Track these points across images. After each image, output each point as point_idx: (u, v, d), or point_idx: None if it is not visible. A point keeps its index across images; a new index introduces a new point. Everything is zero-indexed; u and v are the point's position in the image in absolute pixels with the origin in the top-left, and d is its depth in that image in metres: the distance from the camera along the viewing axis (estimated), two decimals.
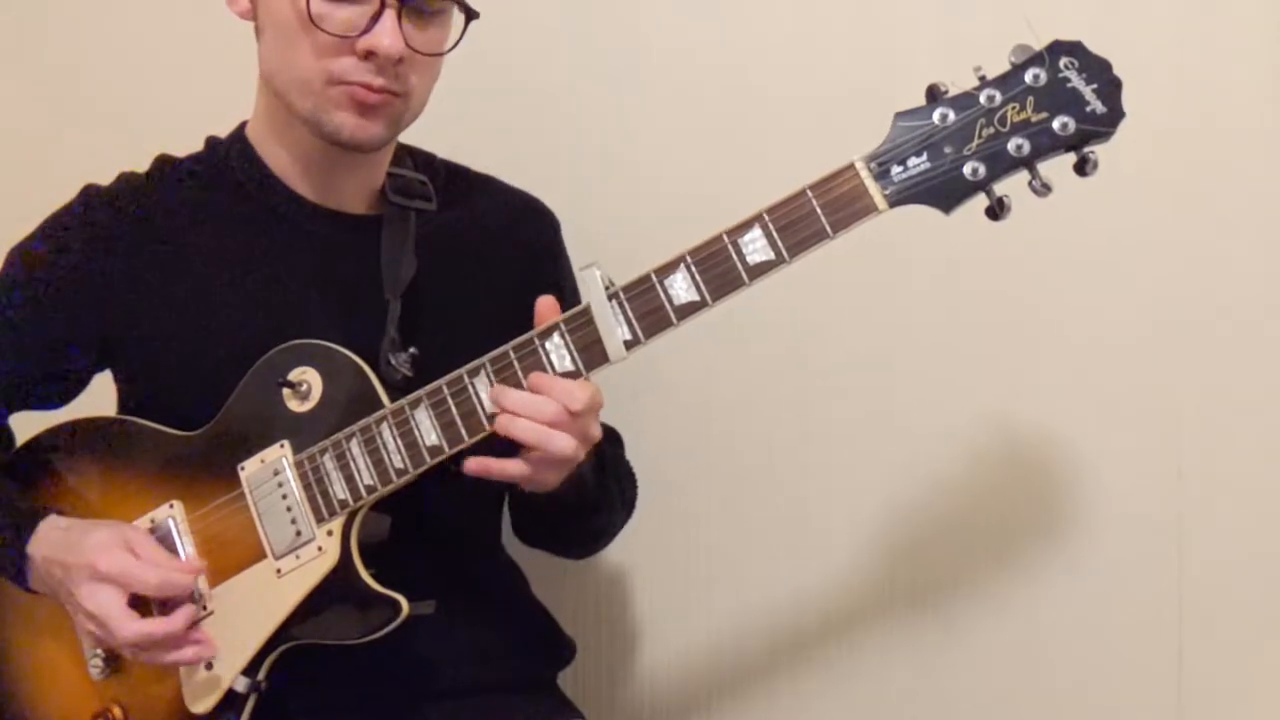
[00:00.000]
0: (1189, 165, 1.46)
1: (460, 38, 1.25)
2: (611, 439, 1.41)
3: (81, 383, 1.35)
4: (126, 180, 1.35)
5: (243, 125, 1.36)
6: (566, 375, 1.14)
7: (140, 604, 1.19)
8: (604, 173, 1.63)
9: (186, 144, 1.38)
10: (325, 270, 1.30)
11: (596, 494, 1.29)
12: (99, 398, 1.37)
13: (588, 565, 1.61)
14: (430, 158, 1.41)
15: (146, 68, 1.77)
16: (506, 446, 1.16)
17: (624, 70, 1.63)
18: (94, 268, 1.29)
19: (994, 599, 1.54)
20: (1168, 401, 1.48)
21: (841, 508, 1.59)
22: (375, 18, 1.18)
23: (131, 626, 1.15)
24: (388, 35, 1.18)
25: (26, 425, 1.36)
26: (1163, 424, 1.48)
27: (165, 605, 1.20)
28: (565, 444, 1.13)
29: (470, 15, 1.25)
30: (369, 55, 1.19)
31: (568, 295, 1.42)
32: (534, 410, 1.12)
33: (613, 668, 1.66)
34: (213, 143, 1.37)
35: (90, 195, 1.33)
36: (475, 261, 1.36)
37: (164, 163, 1.36)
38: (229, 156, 1.34)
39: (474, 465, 1.16)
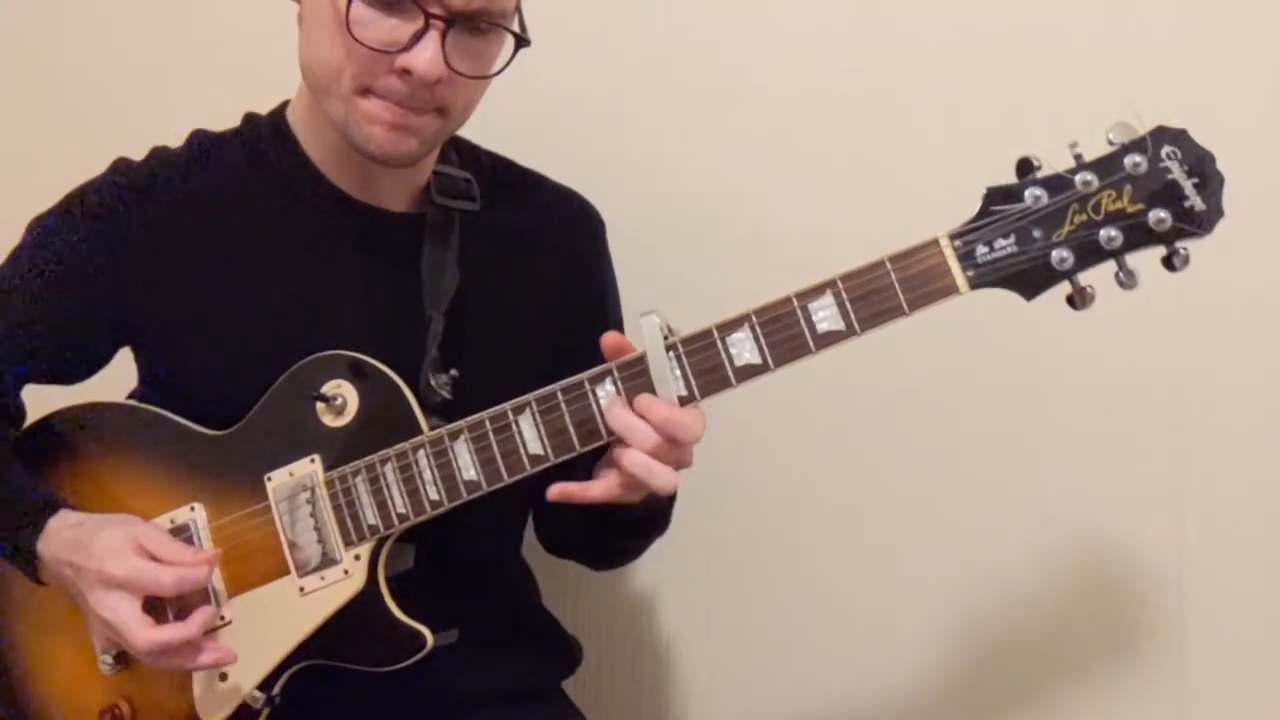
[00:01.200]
0: None
1: (508, 63, 1.16)
2: None
3: (99, 362, 1.30)
4: (160, 156, 1.28)
5: (284, 105, 1.29)
6: None
7: (156, 606, 1.16)
8: (620, 171, 1.58)
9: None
10: (363, 271, 1.25)
11: (663, 513, 1.26)
12: (110, 379, 1.32)
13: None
14: (475, 151, 1.35)
15: (152, 55, 1.71)
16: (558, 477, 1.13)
17: (640, 70, 1.59)
18: (121, 245, 1.23)
19: (995, 596, 1.55)
20: (1170, 407, 1.47)
21: (849, 510, 1.58)
22: (418, 36, 1.10)
23: (147, 635, 1.12)
24: (427, 56, 1.10)
25: (38, 405, 1.31)
26: (1166, 434, 1.47)
27: (180, 610, 1.17)
28: (666, 480, 1.09)
29: (522, 42, 1.16)
30: (405, 73, 1.12)
31: (610, 303, 1.39)
32: (638, 438, 1.08)
33: (615, 671, 1.65)
34: (251, 120, 1.30)
35: (121, 169, 1.27)
36: (518, 270, 1.31)
37: (200, 138, 1.29)
38: (267, 139, 1.27)
39: (556, 494, 1.12)
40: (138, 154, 1.29)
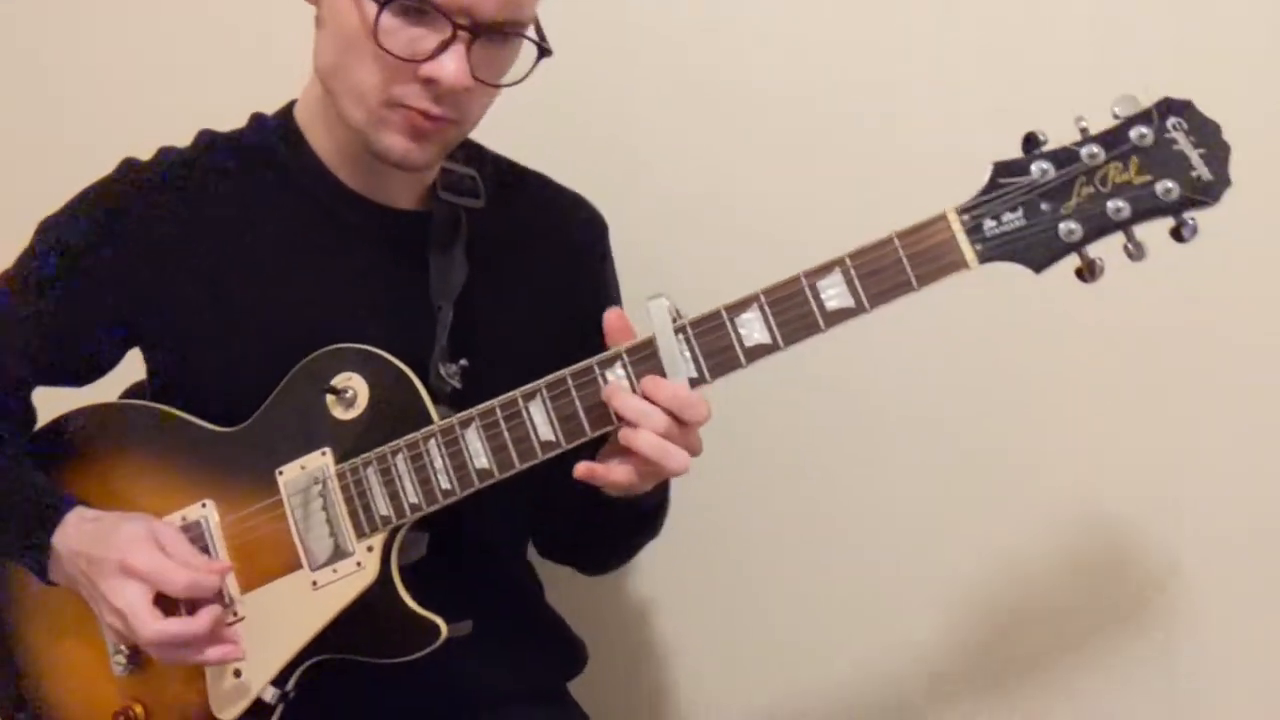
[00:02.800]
0: None
1: (528, 74, 1.17)
2: None
3: (111, 362, 1.30)
4: (168, 156, 1.28)
5: (291, 105, 1.30)
6: None
7: (167, 602, 1.15)
8: (623, 174, 1.58)
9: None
10: (371, 267, 1.25)
11: (664, 496, 1.26)
12: (114, 380, 1.33)
13: None
14: (479, 150, 1.35)
15: (154, 57, 1.72)
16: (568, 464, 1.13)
17: (639, 72, 1.59)
18: (130, 245, 1.24)
19: (998, 592, 1.54)
20: (1170, 401, 1.46)
21: (857, 509, 1.57)
22: (444, 46, 1.11)
23: (154, 626, 1.12)
24: (454, 67, 1.11)
25: (50, 405, 1.31)
26: (1165, 425, 1.47)
27: (191, 605, 1.16)
28: (680, 461, 1.09)
29: (544, 53, 1.17)
30: (430, 82, 1.12)
31: (612, 304, 1.38)
32: (649, 421, 1.08)
33: (622, 674, 1.65)
34: (259, 121, 1.31)
35: (129, 169, 1.27)
36: (523, 266, 1.31)
37: (207, 138, 1.30)
38: (275, 139, 1.28)
39: (583, 471, 1.11)
40: (144, 153, 1.29)
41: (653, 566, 1.63)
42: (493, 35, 1.13)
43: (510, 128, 1.47)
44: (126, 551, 1.13)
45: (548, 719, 1.35)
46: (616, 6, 1.60)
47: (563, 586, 1.48)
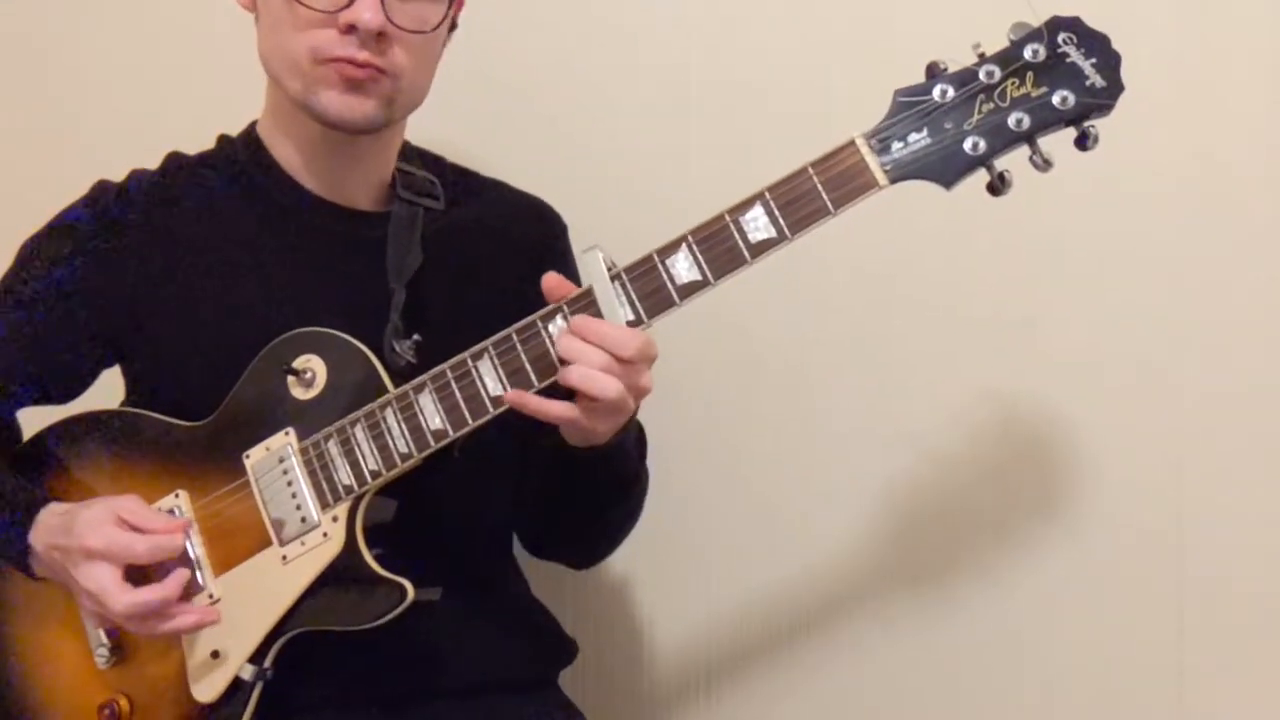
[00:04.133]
0: (1188, 159, 1.47)
1: (444, 18, 1.25)
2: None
3: (90, 377, 1.36)
4: (138, 176, 1.36)
5: (254, 123, 1.37)
6: None
7: (139, 577, 1.19)
8: (601, 173, 1.63)
9: (196, 144, 1.39)
10: (332, 264, 1.31)
11: (636, 467, 1.29)
12: (103, 392, 1.38)
13: None
14: (439, 159, 1.42)
15: (153, 67, 1.78)
16: (523, 419, 1.16)
17: (620, 67, 1.64)
18: (105, 263, 1.30)
19: (994, 582, 1.54)
20: (1168, 390, 1.48)
21: (843, 498, 1.58)
22: None
23: (125, 598, 1.16)
24: (368, 9, 1.18)
25: (31, 421, 1.36)
26: (1163, 410, 1.48)
27: (162, 574, 1.20)
28: (606, 386, 1.11)
29: None
30: (350, 30, 1.19)
31: None
32: (584, 357, 1.11)
33: (613, 668, 1.65)
34: (224, 140, 1.38)
35: (102, 190, 1.34)
36: (481, 259, 1.36)
37: (175, 159, 1.37)
38: (239, 153, 1.35)
39: (512, 397, 1.14)
40: (119, 174, 1.36)
41: (650, 566, 1.64)
42: None
43: (477, 123, 1.55)
44: (85, 536, 1.17)
45: (528, 705, 1.35)
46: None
47: (558, 586, 1.51)
